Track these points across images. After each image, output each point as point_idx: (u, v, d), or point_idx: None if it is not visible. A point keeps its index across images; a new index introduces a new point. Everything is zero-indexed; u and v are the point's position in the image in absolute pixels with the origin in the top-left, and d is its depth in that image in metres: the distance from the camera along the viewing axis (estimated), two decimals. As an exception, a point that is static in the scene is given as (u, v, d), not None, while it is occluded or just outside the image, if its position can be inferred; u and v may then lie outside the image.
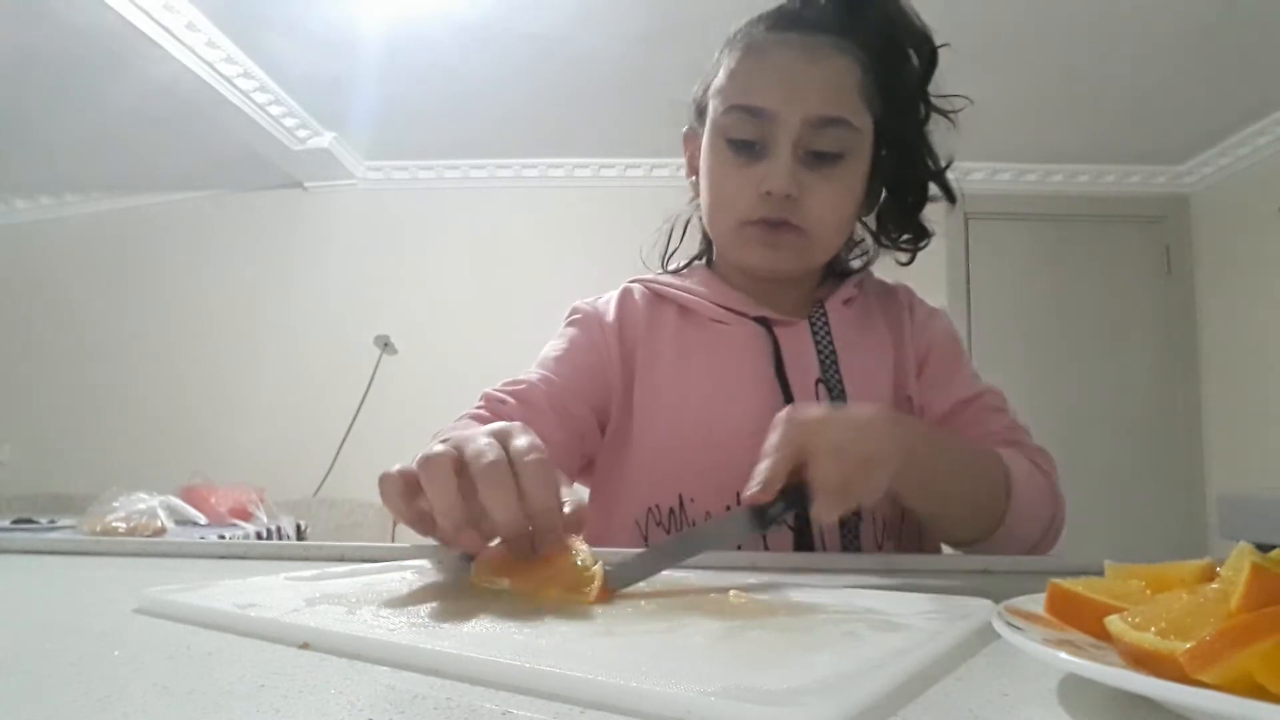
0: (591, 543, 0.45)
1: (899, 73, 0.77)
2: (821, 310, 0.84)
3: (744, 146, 0.75)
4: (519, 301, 3.39)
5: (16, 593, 0.50)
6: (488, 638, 0.32)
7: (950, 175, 0.82)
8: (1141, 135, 3.00)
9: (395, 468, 0.48)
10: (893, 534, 0.79)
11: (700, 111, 0.83)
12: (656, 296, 0.86)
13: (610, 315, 0.85)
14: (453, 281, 3.42)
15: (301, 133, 3.11)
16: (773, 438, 0.54)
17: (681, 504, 0.76)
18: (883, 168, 0.80)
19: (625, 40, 2.50)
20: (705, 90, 0.82)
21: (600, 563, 0.43)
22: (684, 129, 0.87)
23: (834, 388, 0.79)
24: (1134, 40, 2.39)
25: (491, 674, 0.27)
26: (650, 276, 0.89)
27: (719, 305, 0.83)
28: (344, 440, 3.28)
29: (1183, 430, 3.14)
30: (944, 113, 0.80)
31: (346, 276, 3.42)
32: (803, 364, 0.80)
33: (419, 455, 0.47)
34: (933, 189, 0.82)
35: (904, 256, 0.88)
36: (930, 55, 0.78)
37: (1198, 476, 3.10)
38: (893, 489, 0.61)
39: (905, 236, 0.86)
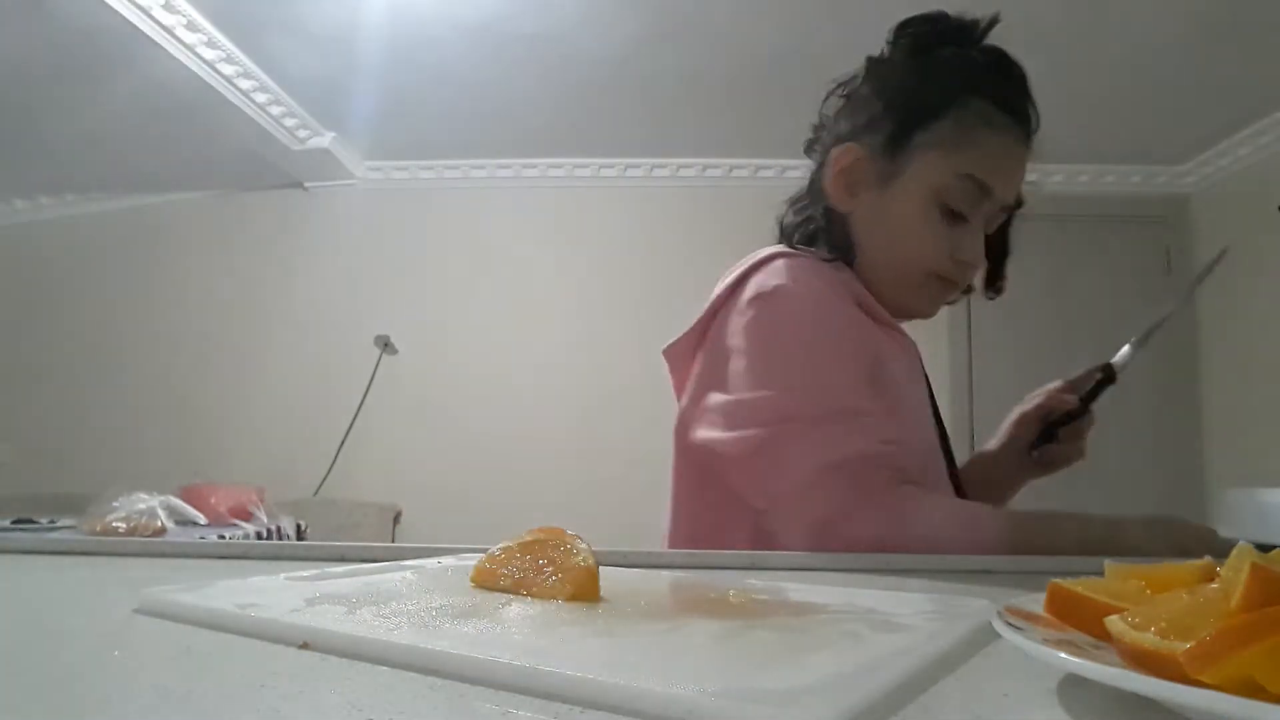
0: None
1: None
2: (914, 345, 0.94)
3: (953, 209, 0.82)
4: (519, 301, 3.39)
5: (16, 593, 0.50)
6: (488, 638, 0.32)
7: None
8: (1141, 135, 3.00)
9: None
10: None
11: (893, 142, 0.82)
12: (842, 284, 0.84)
13: (850, 302, 0.82)
14: (453, 281, 3.42)
15: (301, 133, 3.11)
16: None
17: None
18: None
19: (625, 41, 2.50)
20: (906, 128, 0.82)
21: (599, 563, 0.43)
22: (843, 145, 0.85)
23: (935, 409, 0.92)
24: (1134, 40, 2.39)
25: (491, 674, 0.27)
26: (815, 258, 0.86)
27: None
28: (344, 440, 3.28)
29: (1183, 430, 3.13)
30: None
31: (346, 276, 3.42)
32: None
33: None
34: None
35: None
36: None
37: (1198, 476, 3.10)
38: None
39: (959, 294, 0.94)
